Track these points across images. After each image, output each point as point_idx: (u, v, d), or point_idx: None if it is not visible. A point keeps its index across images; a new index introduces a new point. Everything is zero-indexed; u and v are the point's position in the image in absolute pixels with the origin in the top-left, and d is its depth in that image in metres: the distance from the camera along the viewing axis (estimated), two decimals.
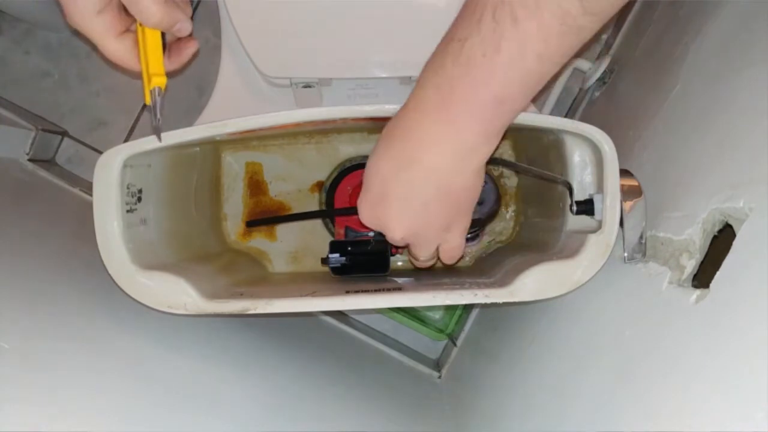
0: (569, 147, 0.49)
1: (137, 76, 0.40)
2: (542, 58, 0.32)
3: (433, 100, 0.35)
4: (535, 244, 0.59)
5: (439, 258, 0.46)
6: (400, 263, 0.71)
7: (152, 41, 0.39)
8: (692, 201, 0.40)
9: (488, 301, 0.44)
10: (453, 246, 0.44)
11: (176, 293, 0.45)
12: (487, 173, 0.48)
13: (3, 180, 0.75)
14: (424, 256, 0.45)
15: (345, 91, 0.67)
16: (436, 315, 0.88)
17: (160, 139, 0.43)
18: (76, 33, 0.39)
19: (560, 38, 0.31)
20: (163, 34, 0.40)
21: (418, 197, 0.39)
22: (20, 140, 0.83)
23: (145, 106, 0.40)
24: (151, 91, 0.39)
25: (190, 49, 0.43)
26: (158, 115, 0.40)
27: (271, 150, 0.66)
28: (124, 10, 0.38)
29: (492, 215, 0.49)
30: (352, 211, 0.45)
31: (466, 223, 0.43)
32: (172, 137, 0.45)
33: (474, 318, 0.86)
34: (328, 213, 0.66)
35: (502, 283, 0.46)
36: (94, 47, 0.40)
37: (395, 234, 0.42)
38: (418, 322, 0.86)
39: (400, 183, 0.39)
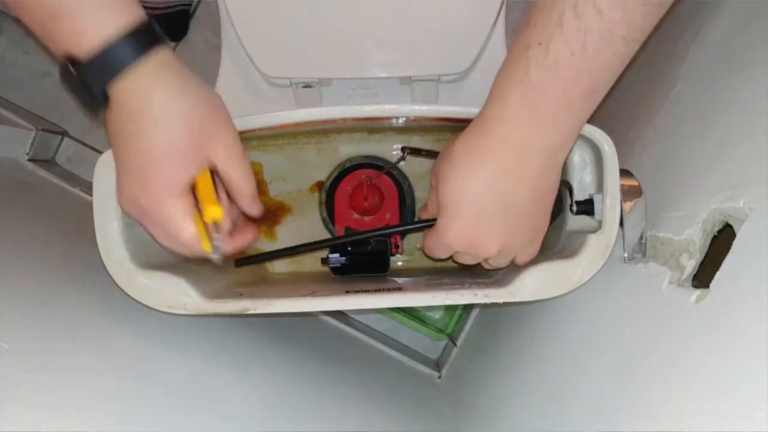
0: None
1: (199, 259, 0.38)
2: (627, 40, 0.33)
3: (521, 109, 0.35)
4: None
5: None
6: (400, 263, 0.71)
7: (204, 180, 0.37)
8: (692, 201, 0.40)
9: (488, 301, 0.44)
10: (536, 248, 0.44)
11: (176, 293, 0.45)
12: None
13: (3, 180, 0.75)
14: (504, 263, 0.45)
15: (345, 91, 0.67)
16: (436, 315, 0.88)
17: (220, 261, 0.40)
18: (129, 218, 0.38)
19: (643, 18, 0.32)
20: (212, 175, 0.38)
21: (516, 207, 0.39)
22: (20, 140, 0.83)
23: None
24: (208, 227, 0.37)
25: (249, 235, 0.43)
26: (217, 255, 0.38)
27: (271, 150, 0.66)
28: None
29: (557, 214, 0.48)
30: (353, 235, 0.44)
31: (548, 222, 0.42)
32: None
33: (474, 318, 0.86)
34: (328, 242, 0.56)
35: (502, 283, 0.46)
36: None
37: (490, 250, 0.41)
38: (418, 322, 0.86)
39: (496, 198, 0.38)
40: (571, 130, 0.36)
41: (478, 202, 0.39)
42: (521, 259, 0.44)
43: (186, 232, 0.36)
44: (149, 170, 0.35)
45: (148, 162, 0.35)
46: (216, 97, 0.38)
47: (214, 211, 0.36)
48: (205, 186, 0.37)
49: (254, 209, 0.42)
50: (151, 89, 0.34)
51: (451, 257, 0.45)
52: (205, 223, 0.36)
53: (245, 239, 0.43)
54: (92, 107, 0.35)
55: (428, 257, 0.46)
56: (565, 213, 0.50)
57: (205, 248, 0.37)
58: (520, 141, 0.36)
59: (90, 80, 0.33)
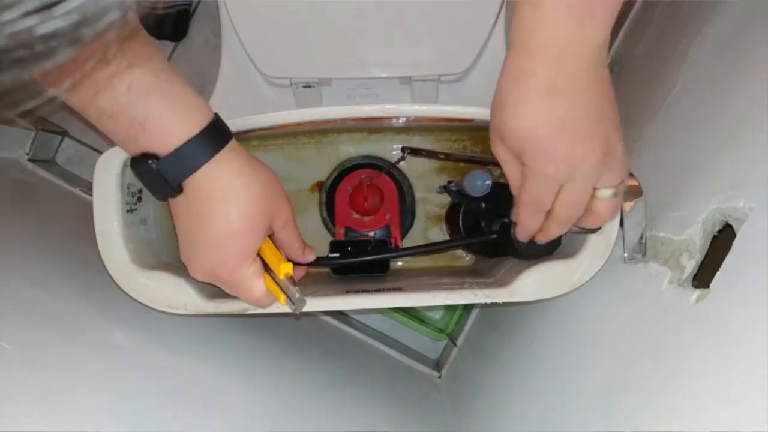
0: None
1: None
2: None
3: (558, 8, 0.33)
4: None
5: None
6: (400, 263, 0.71)
7: (269, 245, 0.42)
8: (692, 201, 0.40)
9: (488, 301, 0.44)
10: (623, 152, 0.38)
11: (176, 293, 0.45)
12: None
13: (3, 180, 0.75)
14: (615, 178, 0.38)
15: (345, 91, 0.67)
16: (436, 315, 0.88)
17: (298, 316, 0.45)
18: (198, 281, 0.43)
19: None
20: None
21: (589, 104, 0.35)
22: (20, 140, 0.83)
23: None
24: (284, 283, 0.41)
25: (301, 272, 0.49)
26: (295, 306, 0.42)
27: (271, 150, 0.66)
28: None
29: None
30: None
31: (618, 115, 0.37)
32: None
33: (474, 318, 0.86)
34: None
35: (502, 283, 0.46)
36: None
37: (596, 155, 0.36)
38: (418, 322, 0.86)
39: (567, 103, 0.35)
40: (609, 21, 0.34)
41: (555, 115, 0.35)
42: (622, 168, 0.38)
43: (258, 291, 0.41)
44: (227, 245, 0.39)
45: (226, 238, 0.39)
46: (271, 171, 0.42)
47: (287, 267, 0.41)
48: (271, 250, 0.42)
49: (309, 256, 0.47)
50: (225, 176, 0.38)
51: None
52: (277, 281, 0.41)
53: (299, 275, 0.49)
54: (166, 194, 0.39)
55: (526, 233, 0.42)
56: None
57: (282, 302, 0.42)
58: (565, 43, 0.34)
59: (169, 173, 0.37)
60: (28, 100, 0.20)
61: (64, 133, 0.93)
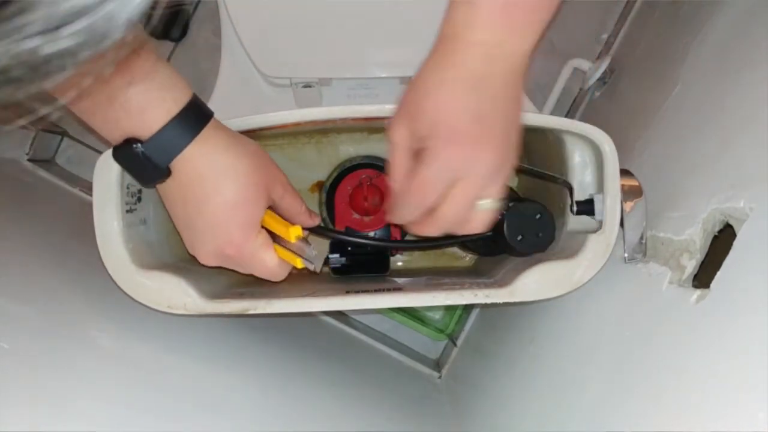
0: (569, 147, 0.49)
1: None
2: None
3: (494, 12, 0.34)
4: None
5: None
6: (400, 263, 0.71)
7: (270, 215, 0.42)
8: (692, 201, 0.40)
9: (488, 301, 0.44)
10: (507, 175, 0.38)
11: (176, 293, 0.45)
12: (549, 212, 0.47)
13: (3, 180, 0.75)
14: (493, 191, 0.38)
15: (345, 91, 0.67)
16: (436, 315, 0.88)
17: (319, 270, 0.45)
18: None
19: None
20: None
21: (504, 112, 0.36)
22: (20, 140, 0.83)
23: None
24: (297, 246, 0.42)
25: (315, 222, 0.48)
26: (313, 265, 0.43)
27: (271, 150, 0.66)
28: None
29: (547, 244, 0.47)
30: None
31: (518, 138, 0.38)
32: None
33: (474, 318, 0.86)
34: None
35: (502, 283, 0.46)
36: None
37: (491, 161, 0.36)
38: (418, 322, 0.86)
39: (486, 103, 0.35)
40: (540, 31, 0.35)
41: (473, 108, 0.35)
42: (505, 183, 0.39)
43: (271, 261, 0.41)
44: (229, 220, 0.39)
45: (227, 213, 0.39)
46: (256, 144, 0.42)
47: (296, 230, 0.42)
48: (274, 219, 0.42)
49: (314, 220, 0.47)
50: (213, 153, 0.38)
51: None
52: (289, 246, 0.42)
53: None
54: (155, 178, 0.38)
55: (399, 220, 0.41)
56: (565, 213, 0.50)
57: (299, 265, 0.42)
58: (496, 43, 0.35)
59: (155, 154, 0.37)
60: (19, 118, 0.19)
61: (64, 133, 0.93)
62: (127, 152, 0.37)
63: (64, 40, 0.16)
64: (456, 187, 0.37)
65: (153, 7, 0.19)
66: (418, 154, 0.37)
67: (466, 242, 0.58)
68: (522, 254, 0.47)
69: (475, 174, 0.36)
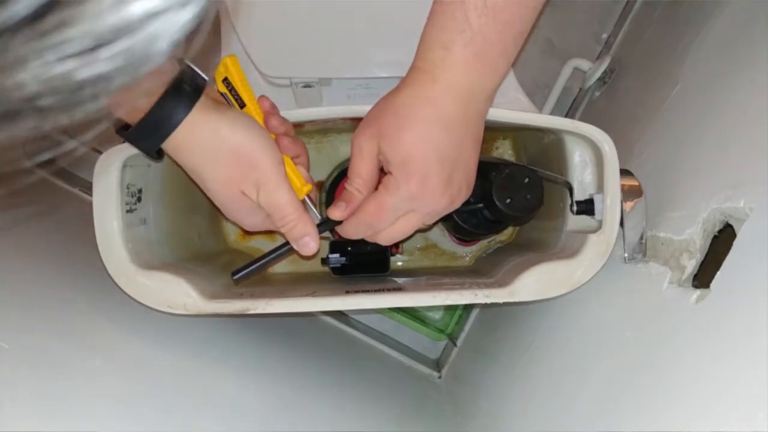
0: (569, 147, 0.49)
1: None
2: None
3: (467, 56, 0.37)
4: (536, 244, 0.59)
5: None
6: (400, 263, 0.71)
7: (289, 166, 0.42)
8: (692, 201, 0.40)
9: (488, 301, 0.44)
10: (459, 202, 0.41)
11: (176, 293, 0.45)
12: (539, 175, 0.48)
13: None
14: (429, 220, 0.42)
15: (345, 91, 0.67)
16: (436, 315, 0.88)
17: (334, 235, 0.46)
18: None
19: None
20: None
21: (466, 153, 0.39)
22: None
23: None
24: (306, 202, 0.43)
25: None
26: (319, 214, 0.44)
27: None
28: None
29: (535, 207, 0.48)
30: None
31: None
32: None
33: (474, 318, 0.86)
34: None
35: (502, 283, 0.46)
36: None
37: (444, 202, 0.39)
38: (418, 322, 0.86)
39: (453, 144, 0.38)
40: (505, 72, 0.39)
41: (443, 151, 0.38)
42: (434, 217, 0.42)
43: (287, 197, 0.40)
44: (258, 165, 0.38)
45: (251, 158, 0.38)
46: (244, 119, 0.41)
47: (307, 189, 0.43)
48: (292, 169, 0.42)
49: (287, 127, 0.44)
50: (209, 124, 0.37)
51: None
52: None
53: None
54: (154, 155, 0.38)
55: (347, 236, 0.43)
56: (565, 213, 0.50)
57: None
58: (468, 87, 0.37)
59: (151, 131, 0.36)
60: (43, 152, 0.18)
61: None
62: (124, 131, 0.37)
63: (101, 64, 0.15)
64: (406, 216, 0.40)
65: (197, 29, 0.17)
66: (379, 169, 0.40)
67: (457, 219, 0.56)
68: (511, 219, 0.47)
69: (427, 211, 0.40)
